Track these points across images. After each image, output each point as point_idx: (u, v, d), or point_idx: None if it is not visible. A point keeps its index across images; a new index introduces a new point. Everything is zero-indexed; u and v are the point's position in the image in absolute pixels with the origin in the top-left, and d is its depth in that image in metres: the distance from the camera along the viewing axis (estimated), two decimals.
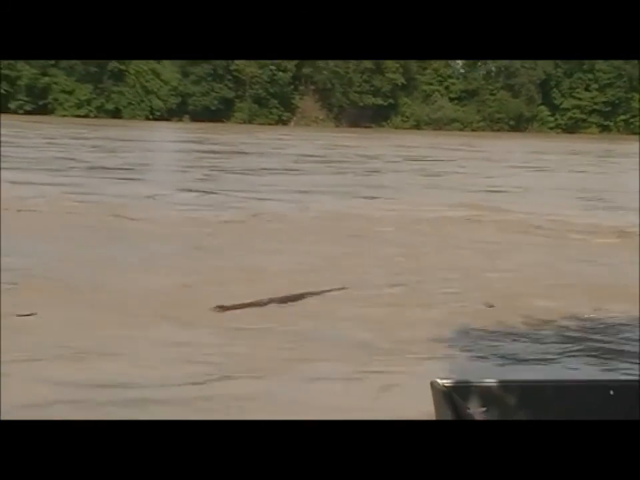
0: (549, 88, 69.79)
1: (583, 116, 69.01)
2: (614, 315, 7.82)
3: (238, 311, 7.45)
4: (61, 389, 5.40)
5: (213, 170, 23.53)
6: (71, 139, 35.07)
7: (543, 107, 69.45)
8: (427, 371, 5.51)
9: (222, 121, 61.67)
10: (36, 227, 11.81)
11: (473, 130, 66.13)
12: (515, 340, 7.01)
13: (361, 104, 65.72)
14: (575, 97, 68.93)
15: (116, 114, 62.15)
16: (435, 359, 6.38)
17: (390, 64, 64.89)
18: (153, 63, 63.58)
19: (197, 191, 18.01)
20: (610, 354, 6.72)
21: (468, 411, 2.23)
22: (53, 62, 60.08)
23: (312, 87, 66.54)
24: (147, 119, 62.02)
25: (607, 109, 68.50)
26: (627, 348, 6.86)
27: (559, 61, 66.48)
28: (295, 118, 66.22)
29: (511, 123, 68.40)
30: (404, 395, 5.48)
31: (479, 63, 69.69)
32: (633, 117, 66.81)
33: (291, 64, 63.74)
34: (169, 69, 64.90)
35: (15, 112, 58.54)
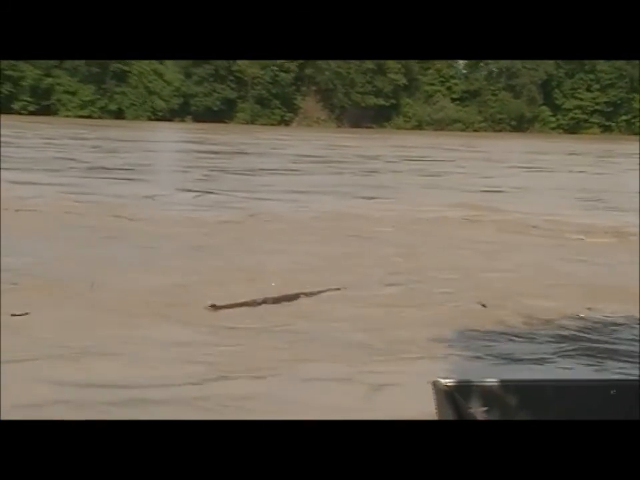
0: (551, 88, 69.79)
1: (585, 116, 69.02)
2: (609, 315, 7.85)
3: (230, 310, 7.47)
4: (60, 389, 5.42)
5: (212, 170, 23.54)
6: (71, 139, 35.10)
7: (544, 108, 69.45)
8: (423, 371, 5.54)
9: (224, 122, 61.72)
10: (35, 226, 11.83)
11: (474, 130, 66.15)
12: (510, 340, 7.04)
13: (363, 104, 65.75)
14: (576, 98, 68.93)
15: (119, 114, 62.29)
16: (430, 358, 6.38)
17: (392, 64, 64.91)
18: (155, 64, 63.72)
19: (196, 191, 18.02)
20: (605, 353, 6.74)
21: (469, 410, 2.24)
22: (56, 63, 60.30)
23: (314, 88, 66.55)
24: (150, 119, 62.16)
25: (608, 110, 68.50)
26: (622, 348, 6.87)
27: (560, 62, 66.56)
28: (297, 118, 66.24)
29: (513, 123, 68.40)
30: (400, 394, 5.50)
31: (481, 64, 69.74)
32: (635, 117, 66.86)
33: (293, 64, 63.81)
34: (171, 69, 65.05)
35: (18, 112, 58.72)
